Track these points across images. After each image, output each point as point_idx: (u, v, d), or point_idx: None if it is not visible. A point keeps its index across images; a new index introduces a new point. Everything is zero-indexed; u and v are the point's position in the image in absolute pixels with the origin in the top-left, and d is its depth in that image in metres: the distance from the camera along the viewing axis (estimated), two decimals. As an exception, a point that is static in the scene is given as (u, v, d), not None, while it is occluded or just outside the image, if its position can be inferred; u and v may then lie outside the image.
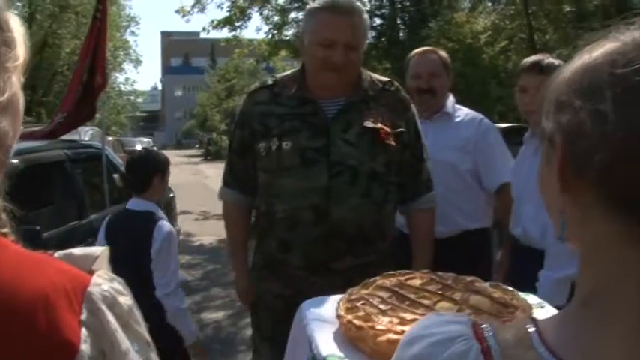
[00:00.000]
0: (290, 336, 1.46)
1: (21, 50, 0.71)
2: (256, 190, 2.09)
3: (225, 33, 12.65)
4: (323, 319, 1.28)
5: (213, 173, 21.47)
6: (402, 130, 2.04)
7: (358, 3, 2.04)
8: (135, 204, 2.57)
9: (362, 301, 1.23)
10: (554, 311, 1.25)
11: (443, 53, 2.89)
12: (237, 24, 12.04)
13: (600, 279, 0.60)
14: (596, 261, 0.60)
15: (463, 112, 2.82)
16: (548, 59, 2.32)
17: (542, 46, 17.22)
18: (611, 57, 0.58)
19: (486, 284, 1.30)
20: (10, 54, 0.69)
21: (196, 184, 16.62)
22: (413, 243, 2.14)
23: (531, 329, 0.61)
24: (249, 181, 2.09)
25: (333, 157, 1.93)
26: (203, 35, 13.98)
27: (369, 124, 1.97)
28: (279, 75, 2.19)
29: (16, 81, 0.71)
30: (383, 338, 1.06)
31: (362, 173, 1.93)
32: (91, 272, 0.69)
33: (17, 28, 0.71)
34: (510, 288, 1.30)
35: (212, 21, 12.22)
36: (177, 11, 12.00)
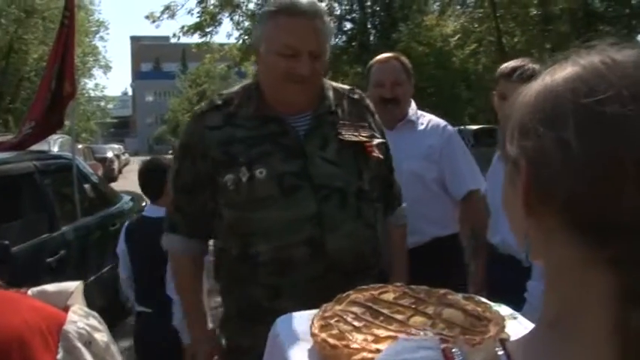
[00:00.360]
0: (266, 351, 1.45)
1: None
2: (210, 232, 1.83)
3: (196, 38, 12.62)
4: (298, 336, 1.27)
5: (187, 179, 21.33)
6: (381, 140, 1.89)
7: (318, 2, 1.80)
8: (151, 210, 2.73)
9: (336, 319, 1.23)
10: (526, 322, 1.28)
11: (404, 59, 2.78)
12: (207, 29, 12.01)
13: (565, 302, 0.61)
14: (560, 284, 0.62)
15: (426, 119, 2.75)
16: (528, 65, 2.29)
17: (511, 48, 17.52)
18: (573, 84, 0.59)
19: (459, 296, 1.31)
20: None
21: (169, 191, 16.44)
22: (390, 258, 2.00)
23: (500, 352, 0.62)
24: (202, 222, 1.81)
25: (316, 180, 1.69)
26: (174, 40, 13.88)
27: (347, 137, 1.77)
28: (226, 92, 1.87)
29: None
30: (357, 357, 1.06)
31: (350, 194, 1.72)
32: (66, 308, 0.68)
33: None
34: (483, 300, 1.31)
35: (182, 27, 12.17)
36: (146, 17, 11.92)
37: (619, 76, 0.57)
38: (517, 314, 1.31)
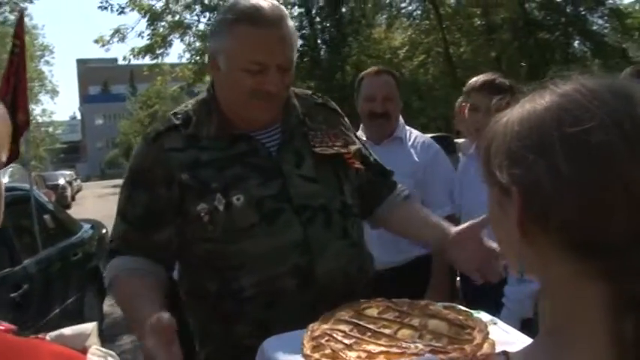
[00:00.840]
0: None
1: None
2: (171, 265, 1.63)
3: (146, 60, 12.51)
4: (290, 357, 1.26)
5: (143, 202, 20.94)
6: (357, 146, 1.74)
7: (279, 5, 1.58)
8: None
9: (326, 338, 1.24)
10: (506, 327, 1.34)
11: (395, 73, 2.77)
12: (158, 51, 11.92)
13: (563, 313, 0.65)
14: (557, 296, 0.66)
15: (413, 136, 2.71)
16: (499, 79, 2.41)
17: (458, 58, 18.02)
18: (557, 113, 0.63)
19: (440, 306, 1.36)
20: None
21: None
22: (419, 223, 1.72)
23: None
24: (159, 255, 1.55)
25: (297, 201, 1.53)
26: (122, 62, 13.70)
27: (322, 150, 1.62)
28: (180, 109, 1.65)
29: None
30: None
31: (334, 211, 1.58)
32: (84, 350, 0.70)
33: None
34: (463, 308, 1.37)
35: (132, 49, 12.05)
36: (95, 41, 11.74)
37: (598, 105, 0.61)
38: (497, 320, 1.36)
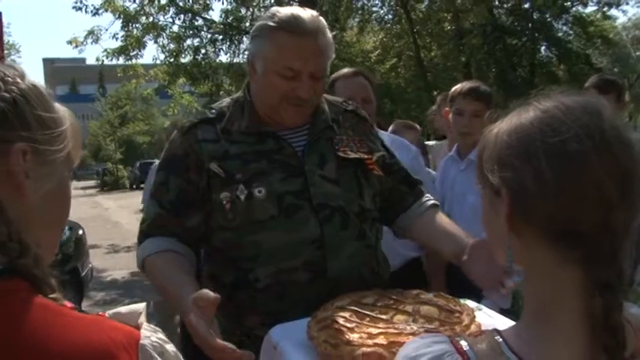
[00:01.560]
0: None
1: (67, 144, 0.83)
2: (199, 253, 1.69)
3: (119, 60, 12.41)
4: (296, 342, 1.36)
5: (113, 205, 20.72)
6: (381, 153, 1.80)
7: (319, 16, 1.64)
8: None
9: (329, 322, 1.35)
10: (490, 312, 1.49)
11: (368, 74, 2.68)
12: (132, 53, 11.85)
13: (545, 295, 0.79)
14: (540, 281, 0.79)
15: (389, 138, 2.59)
16: (483, 87, 2.61)
17: (429, 62, 18.31)
18: (540, 126, 0.76)
19: (430, 295, 1.50)
20: (53, 148, 0.81)
21: (98, 217, 16.00)
22: (440, 235, 1.74)
23: (499, 339, 0.79)
24: (191, 240, 1.64)
25: (316, 200, 1.60)
26: (94, 62, 13.56)
27: (346, 154, 1.69)
28: (216, 105, 1.76)
29: (61, 171, 0.83)
30: (358, 352, 1.21)
31: (351, 214, 1.64)
32: (137, 326, 0.80)
33: (65, 123, 0.83)
34: (449, 296, 1.51)
35: (105, 50, 11.95)
36: (68, 42, 11.62)
37: (573, 120, 0.75)
38: (481, 306, 1.51)
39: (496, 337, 0.79)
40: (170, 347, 0.82)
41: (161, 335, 0.82)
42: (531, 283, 0.81)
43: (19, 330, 0.69)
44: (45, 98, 0.82)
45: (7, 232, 0.73)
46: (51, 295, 0.76)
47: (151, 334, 0.80)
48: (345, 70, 2.64)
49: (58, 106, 0.84)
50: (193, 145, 1.64)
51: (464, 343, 0.79)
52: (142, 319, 0.84)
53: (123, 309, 0.85)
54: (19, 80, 0.80)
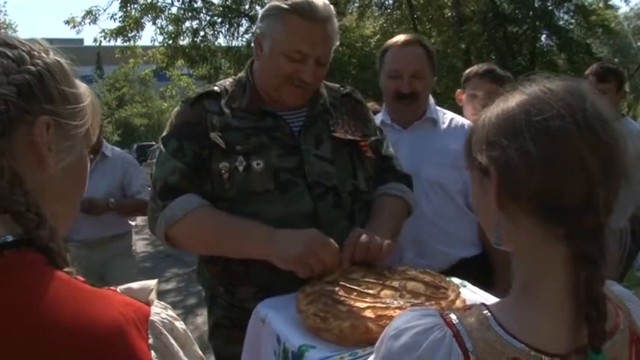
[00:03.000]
0: (247, 338, 1.49)
1: (87, 119, 0.85)
2: None
3: (117, 42, 12.34)
4: (284, 315, 1.40)
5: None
6: (375, 138, 1.85)
7: (329, 4, 1.68)
8: None
9: (318, 295, 1.40)
10: (473, 288, 1.52)
11: (427, 43, 2.30)
12: (130, 34, 11.78)
13: (532, 269, 0.82)
14: (528, 257, 0.83)
15: (447, 117, 2.31)
16: (498, 69, 2.57)
17: (428, 48, 18.23)
18: (524, 107, 0.80)
19: (416, 271, 1.53)
20: (75, 123, 0.82)
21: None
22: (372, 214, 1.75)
23: (487, 314, 0.82)
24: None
25: (311, 177, 1.65)
26: (92, 44, 13.49)
27: (341, 135, 1.74)
28: (218, 83, 1.82)
29: (80, 146, 0.85)
30: (346, 324, 1.24)
31: (344, 193, 1.69)
32: (147, 303, 0.81)
33: (86, 99, 0.85)
34: (435, 273, 1.53)
35: (103, 31, 11.88)
36: (66, 22, 11.55)
37: (555, 100, 0.79)
38: (465, 282, 1.54)
39: (484, 312, 0.83)
40: (180, 324, 0.83)
41: (171, 312, 0.84)
42: (519, 258, 0.85)
43: (34, 302, 0.70)
44: (68, 74, 0.84)
45: (26, 202, 0.74)
46: (65, 269, 0.76)
47: (161, 311, 0.81)
48: (400, 37, 2.32)
49: (79, 82, 0.86)
50: (203, 114, 1.69)
51: (453, 317, 0.82)
52: (153, 295, 0.84)
53: (134, 284, 0.85)
54: (44, 55, 0.82)
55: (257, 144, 1.65)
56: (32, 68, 0.78)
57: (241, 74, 1.81)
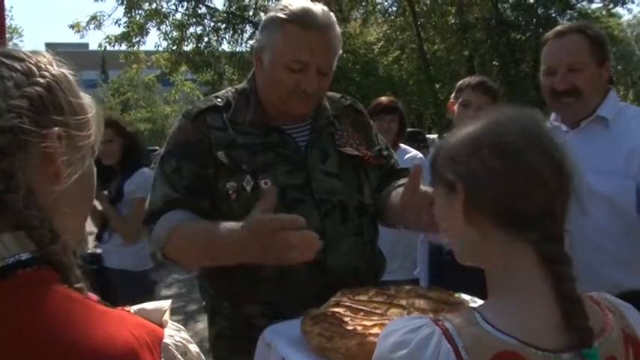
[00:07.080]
0: None
1: (93, 130, 0.83)
2: None
3: (122, 46, 12.36)
4: (290, 339, 1.35)
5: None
6: (378, 147, 1.82)
7: (329, 11, 1.65)
8: None
9: (323, 316, 1.34)
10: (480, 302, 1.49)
11: (593, 30, 1.95)
12: (134, 40, 11.81)
13: (502, 271, 0.90)
14: (496, 261, 0.91)
15: (627, 114, 1.93)
16: (490, 82, 2.62)
17: (432, 55, 18.27)
18: (487, 128, 0.92)
19: (424, 289, 1.50)
20: (83, 134, 0.81)
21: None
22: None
23: (474, 312, 0.88)
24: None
25: (318, 194, 1.62)
26: (96, 48, 13.54)
27: (346, 150, 1.71)
28: (220, 94, 1.75)
29: (88, 158, 0.83)
30: (353, 342, 1.20)
31: (351, 209, 1.66)
32: (161, 324, 0.79)
33: (91, 109, 0.83)
34: (444, 290, 1.50)
35: (107, 36, 11.92)
36: (71, 27, 11.58)
37: (513, 123, 0.91)
38: (475, 298, 1.50)
39: (472, 312, 0.88)
40: (193, 347, 0.81)
41: (185, 334, 0.81)
42: (489, 264, 0.93)
43: (46, 323, 0.68)
44: (73, 85, 0.82)
45: (40, 218, 0.72)
46: (76, 285, 0.75)
47: (175, 334, 0.79)
48: (557, 28, 2.03)
49: (83, 93, 0.84)
50: (205, 131, 1.63)
51: (441, 318, 0.88)
52: (167, 316, 0.82)
53: (148, 305, 0.83)
54: (49, 66, 0.80)
55: (264, 162, 1.61)
56: (41, 80, 0.77)
57: (244, 84, 1.76)
